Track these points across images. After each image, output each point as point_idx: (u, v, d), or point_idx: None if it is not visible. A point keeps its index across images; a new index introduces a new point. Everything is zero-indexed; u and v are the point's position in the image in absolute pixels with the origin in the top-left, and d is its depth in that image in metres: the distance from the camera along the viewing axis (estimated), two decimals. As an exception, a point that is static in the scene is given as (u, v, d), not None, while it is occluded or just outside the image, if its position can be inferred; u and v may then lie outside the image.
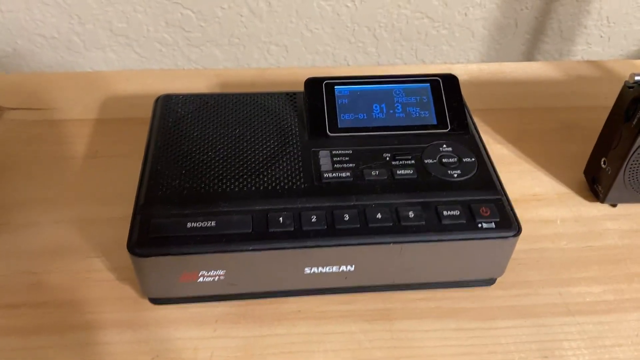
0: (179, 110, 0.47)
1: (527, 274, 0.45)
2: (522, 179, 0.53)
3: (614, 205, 0.50)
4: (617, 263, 0.46)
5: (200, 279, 0.39)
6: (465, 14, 0.74)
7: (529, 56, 0.80)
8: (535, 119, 0.60)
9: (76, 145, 0.55)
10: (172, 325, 0.41)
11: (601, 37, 0.79)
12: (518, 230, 0.39)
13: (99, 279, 0.44)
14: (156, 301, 0.42)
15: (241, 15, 0.71)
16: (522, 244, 0.46)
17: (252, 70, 0.66)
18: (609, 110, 0.48)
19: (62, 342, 0.40)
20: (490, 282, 0.43)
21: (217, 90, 0.62)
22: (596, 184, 0.50)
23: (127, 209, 0.42)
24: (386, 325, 0.41)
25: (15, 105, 0.59)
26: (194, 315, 0.41)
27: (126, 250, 0.38)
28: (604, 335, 0.41)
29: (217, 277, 0.39)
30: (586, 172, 0.52)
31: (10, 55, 0.73)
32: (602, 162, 0.49)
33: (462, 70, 0.66)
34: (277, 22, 0.72)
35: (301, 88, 0.48)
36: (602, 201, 0.50)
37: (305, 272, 0.39)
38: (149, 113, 0.49)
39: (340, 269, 0.40)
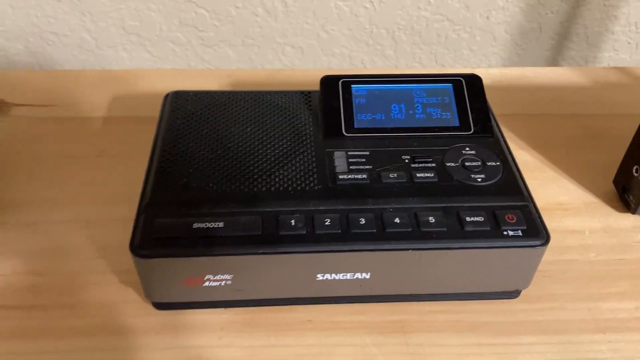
0: (189, 107, 0.45)
1: (553, 287, 0.42)
2: (546, 186, 0.51)
3: (645, 217, 0.48)
4: (650, 278, 0.43)
5: (206, 284, 0.37)
6: (487, 17, 0.72)
7: (553, 62, 0.78)
8: (560, 126, 0.58)
9: (82, 143, 0.53)
10: (176, 332, 0.39)
11: (629, 43, 0.76)
12: (546, 239, 0.37)
13: (101, 282, 0.42)
14: (160, 306, 0.39)
15: (256, 15, 0.70)
16: (547, 255, 0.43)
17: (265, 71, 0.64)
18: (637, 118, 0.46)
19: (61, 347, 0.38)
20: (514, 294, 0.41)
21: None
22: (627, 193, 0.47)
23: (132, 209, 0.40)
24: (401, 338, 0.39)
25: (22, 101, 0.58)
26: (198, 322, 0.39)
27: (129, 252, 0.36)
28: (638, 356, 0.38)
29: (223, 281, 0.37)
30: (616, 181, 0.49)
31: (21, 53, 0.72)
32: (634, 170, 0.46)
33: (484, 74, 0.63)
34: (292, 23, 0.71)
35: (316, 89, 0.46)
36: (634, 212, 0.47)
37: (317, 279, 0.37)
38: (158, 112, 0.47)
39: (355, 277, 0.37)
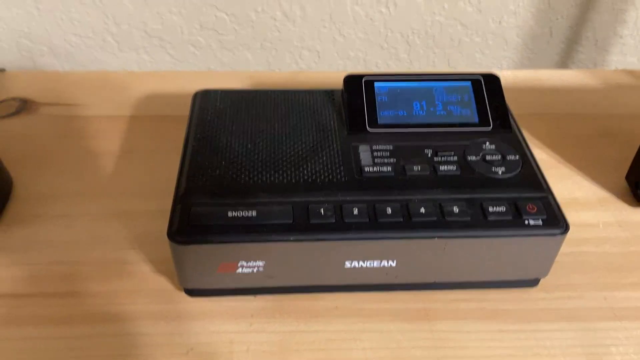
0: (218, 104, 0.47)
1: (571, 277, 0.44)
2: (561, 182, 0.52)
3: (658, 211, 0.49)
4: (664, 269, 0.45)
5: (239, 270, 0.38)
6: (500, 22, 0.74)
7: (563, 65, 0.79)
8: (573, 125, 0.59)
9: (109, 140, 0.55)
10: (208, 318, 0.40)
11: (637, 47, 0.78)
12: (566, 228, 0.38)
13: (133, 271, 0.43)
14: (192, 293, 0.41)
15: (275, 19, 0.71)
16: (564, 246, 0.45)
17: (284, 73, 0.65)
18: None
19: (95, 332, 0.39)
20: (533, 283, 0.42)
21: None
22: (639, 188, 0.49)
23: (161, 202, 0.42)
24: (426, 325, 0.40)
25: (49, 101, 0.60)
26: (229, 309, 0.41)
27: (161, 242, 0.37)
28: (654, 342, 0.40)
29: (256, 268, 0.38)
30: (629, 176, 0.51)
31: (45, 55, 0.73)
32: (647, 166, 0.47)
33: (497, 76, 0.65)
34: (310, 27, 0.72)
35: (335, 89, 0.48)
36: (647, 206, 0.48)
37: (345, 266, 0.39)
38: (181, 111, 0.49)
39: (382, 264, 0.39)
